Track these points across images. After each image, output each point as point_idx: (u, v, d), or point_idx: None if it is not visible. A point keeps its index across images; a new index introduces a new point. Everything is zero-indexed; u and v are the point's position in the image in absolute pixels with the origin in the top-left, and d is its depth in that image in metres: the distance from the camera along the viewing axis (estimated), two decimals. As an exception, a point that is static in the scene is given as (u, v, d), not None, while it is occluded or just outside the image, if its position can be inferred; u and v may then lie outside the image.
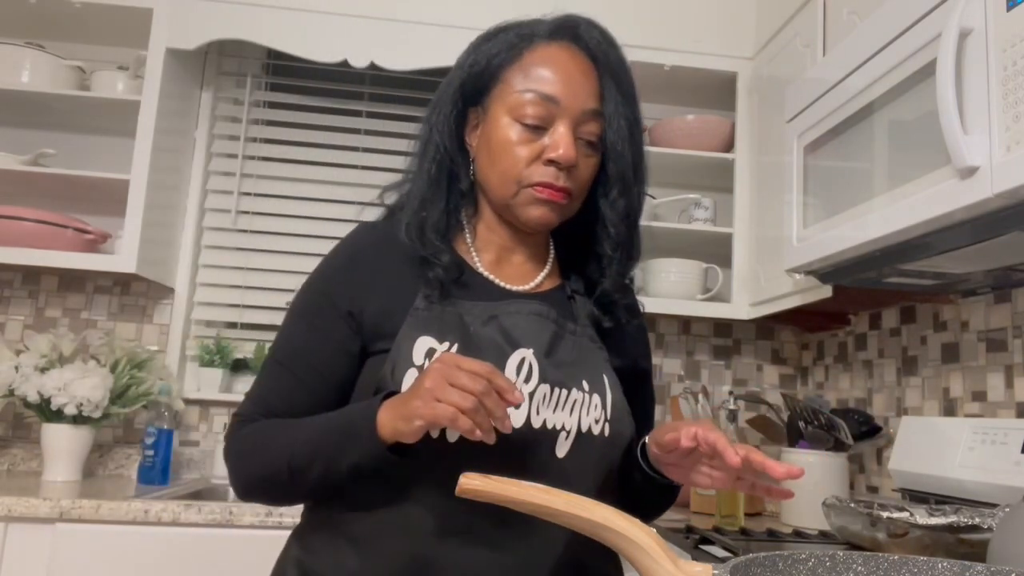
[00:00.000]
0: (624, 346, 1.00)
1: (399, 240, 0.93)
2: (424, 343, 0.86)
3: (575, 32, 0.95)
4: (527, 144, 0.90)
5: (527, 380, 0.87)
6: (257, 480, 0.88)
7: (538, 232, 0.98)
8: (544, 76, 0.91)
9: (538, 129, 0.90)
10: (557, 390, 0.88)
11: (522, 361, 0.88)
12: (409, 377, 0.84)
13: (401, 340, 0.86)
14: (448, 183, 0.96)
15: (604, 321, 0.97)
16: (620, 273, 0.98)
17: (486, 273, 0.96)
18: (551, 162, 0.90)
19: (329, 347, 0.90)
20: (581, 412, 0.89)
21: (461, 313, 0.89)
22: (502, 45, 0.95)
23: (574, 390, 0.89)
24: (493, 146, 0.92)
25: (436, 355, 0.84)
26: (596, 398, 0.90)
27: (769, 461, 0.78)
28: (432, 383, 0.75)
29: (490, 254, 0.98)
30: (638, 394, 1.01)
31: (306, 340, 0.91)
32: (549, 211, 0.92)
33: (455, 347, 0.86)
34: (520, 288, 0.96)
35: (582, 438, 0.88)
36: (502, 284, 0.96)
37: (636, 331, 1.04)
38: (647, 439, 0.92)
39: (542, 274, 0.99)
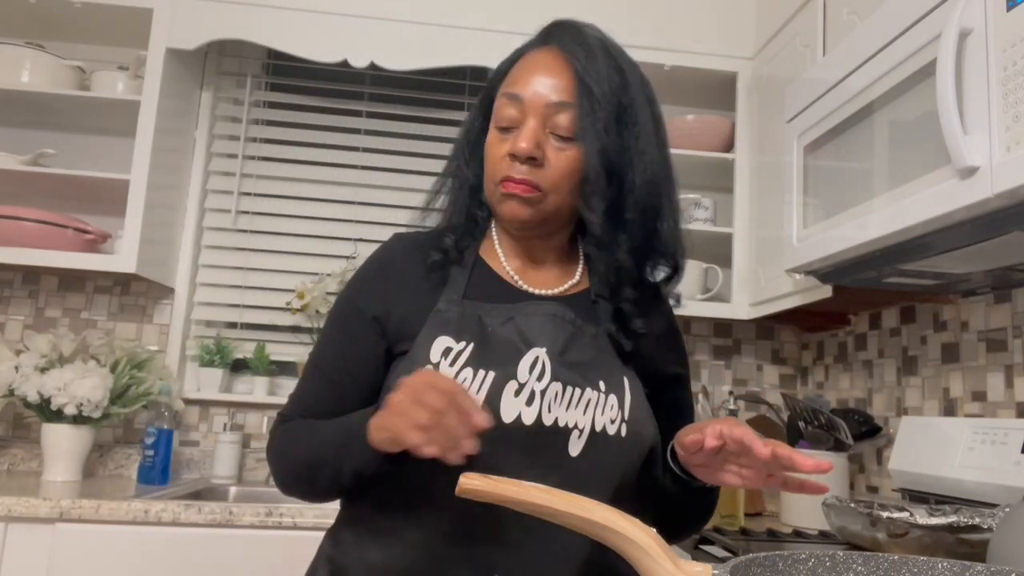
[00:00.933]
0: (649, 350, 0.98)
1: (424, 247, 0.97)
2: (442, 343, 0.88)
3: (550, 33, 0.97)
4: (500, 145, 0.93)
5: (540, 378, 0.88)
6: (286, 479, 0.93)
7: (523, 230, 0.96)
8: (515, 79, 0.94)
9: (511, 130, 0.93)
10: (570, 388, 0.89)
11: (535, 360, 0.89)
12: None
13: (421, 340, 0.89)
14: (469, 192, 1.00)
15: (627, 325, 0.96)
16: (630, 279, 0.96)
17: (514, 278, 0.98)
18: (512, 156, 0.91)
19: (358, 351, 0.94)
20: (596, 411, 0.89)
21: (481, 315, 0.92)
22: (503, 64, 1.00)
23: (588, 389, 0.90)
24: (484, 155, 0.96)
25: (452, 353, 0.87)
26: (613, 398, 0.90)
27: (797, 455, 0.77)
28: (399, 397, 0.77)
29: (518, 261, 1.00)
30: (668, 399, 1.01)
31: (337, 345, 0.96)
32: (516, 205, 0.92)
33: (471, 346, 0.88)
34: (545, 292, 0.98)
35: (596, 437, 0.89)
36: (526, 288, 0.97)
37: (664, 336, 1.02)
38: (674, 441, 0.91)
39: (571, 280, 1.00)
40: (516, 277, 0.98)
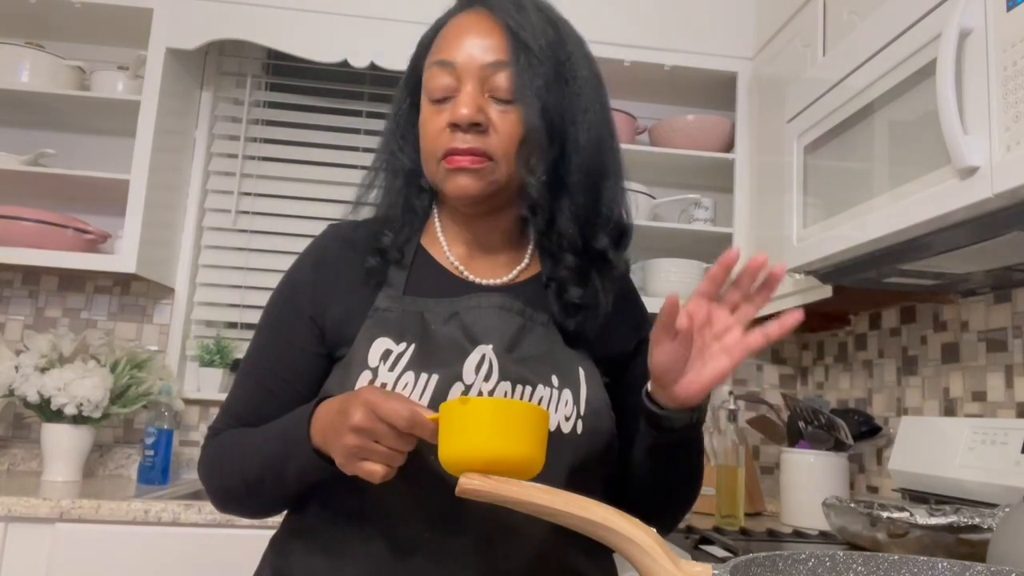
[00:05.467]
0: (606, 332, 0.91)
1: (361, 242, 0.91)
2: (381, 344, 0.83)
3: None
4: (436, 116, 0.87)
5: (487, 378, 0.83)
6: (225, 495, 0.88)
7: (472, 207, 0.89)
8: (442, 45, 0.88)
9: (447, 100, 0.86)
10: (520, 387, 0.83)
11: (482, 358, 0.83)
12: (362, 380, 0.81)
13: (359, 341, 0.84)
14: (405, 180, 0.94)
15: (563, 295, 0.89)
16: (573, 248, 0.89)
17: (458, 267, 0.92)
18: (453, 126, 0.85)
19: (293, 354, 0.89)
20: (549, 410, 0.84)
21: (423, 312, 0.86)
22: (424, 36, 0.95)
23: (540, 386, 0.84)
24: (419, 132, 0.90)
25: (392, 356, 0.82)
26: (567, 393, 0.85)
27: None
28: (332, 417, 0.75)
29: (462, 248, 0.94)
30: (635, 372, 0.93)
31: (271, 348, 0.91)
32: (466, 179, 0.85)
33: (412, 347, 0.83)
34: (493, 281, 0.92)
35: (551, 437, 0.82)
36: (472, 278, 0.91)
37: (621, 314, 0.94)
38: (647, 389, 0.84)
39: (520, 266, 0.94)
40: (460, 267, 0.92)
